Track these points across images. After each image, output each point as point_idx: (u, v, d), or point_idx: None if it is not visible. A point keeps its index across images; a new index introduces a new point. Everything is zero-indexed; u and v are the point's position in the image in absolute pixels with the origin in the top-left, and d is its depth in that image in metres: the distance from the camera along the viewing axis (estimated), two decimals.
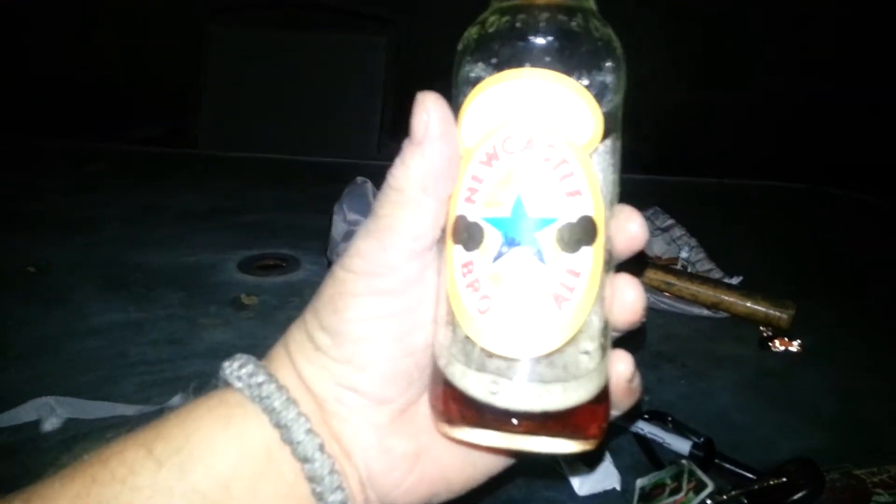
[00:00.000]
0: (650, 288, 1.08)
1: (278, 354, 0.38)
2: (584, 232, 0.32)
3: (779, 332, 1.00)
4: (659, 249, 1.22)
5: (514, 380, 0.32)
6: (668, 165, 1.75)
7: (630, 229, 0.35)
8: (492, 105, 0.33)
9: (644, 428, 0.76)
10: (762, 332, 1.01)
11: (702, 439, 0.74)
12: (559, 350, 0.32)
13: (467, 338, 0.33)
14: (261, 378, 0.36)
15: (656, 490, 0.67)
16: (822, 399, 0.89)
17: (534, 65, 0.33)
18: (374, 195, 1.10)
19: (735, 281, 1.09)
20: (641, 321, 0.35)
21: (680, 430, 0.77)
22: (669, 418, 0.79)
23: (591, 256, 0.32)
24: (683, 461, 0.70)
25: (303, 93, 2.05)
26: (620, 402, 0.36)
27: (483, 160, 0.33)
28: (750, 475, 0.70)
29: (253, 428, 0.35)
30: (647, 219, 1.24)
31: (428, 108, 0.34)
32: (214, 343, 0.91)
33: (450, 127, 0.35)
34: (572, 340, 0.32)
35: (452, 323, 0.34)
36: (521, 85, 0.33)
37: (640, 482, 0.70)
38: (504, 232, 0.32)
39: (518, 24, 0.33)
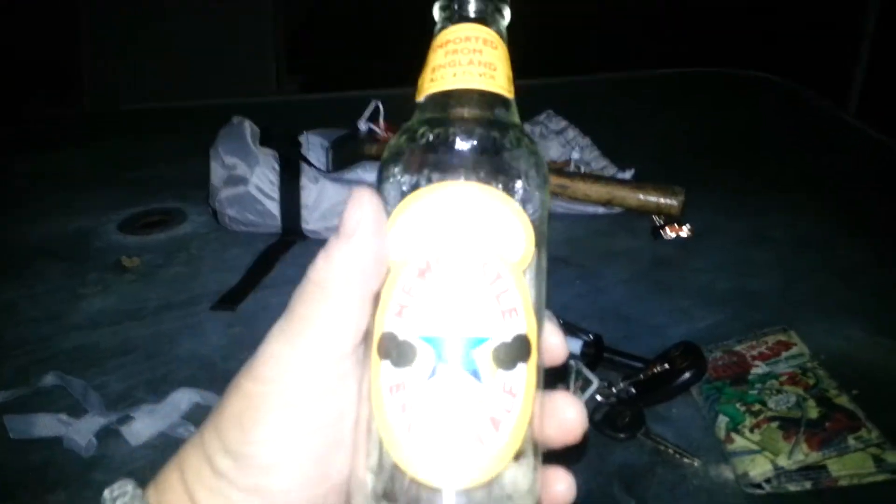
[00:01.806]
0: None
1: (171, 484, 0.33)
2: (519, 350, 0.30)
3: (671, 220, 1.01)
4: (554, 153, 1.20)
5: None
6: (558, 67, 1.73)
7: (567, 416, 0.33)
8: (423, 218, 0.32)
9: None
10: (655, 221, 1.02)
11: (591, 337, 0.75)
12: (498, 475, 0.30)
13: (395, 467, 0.29)
14: None
15: None
16: (712, 279, 0.90)
17: (468, 179, 0.32)
18: (253, 135, 1.05)
19: (628, 175, 1.09)
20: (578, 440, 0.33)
21: (571, 330, 0.78)
22: (560, 321, 0.79)
23: (526, 375, 0.30)
24: (571, 361, 0.70)
25: (189, 35, 1.94)
26: None
27: (415, 274, 0.31)
28: (638, 364, 0.71)
29: None
30: (541, 123, 1.22)
31: (364, 203, 0.31)
32: (95, 312, 0.87)
33: (382, 226, 0.32)
34: (510, 464, 0.30)
35: (375, 452, 0.31)
36: (456, 199, 0.31)
37: None
38: (438, 350, 0.30)
39: (451, 138, 0.32)
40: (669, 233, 0.99)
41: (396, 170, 0.33)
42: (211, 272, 0.95)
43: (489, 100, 0.34)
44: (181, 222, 1.08)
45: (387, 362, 0.30)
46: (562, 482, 0.33)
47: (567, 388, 0.67)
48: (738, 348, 0.70)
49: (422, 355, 0.30)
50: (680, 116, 1.45)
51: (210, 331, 0.83)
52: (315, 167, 1.02)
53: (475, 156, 0.32)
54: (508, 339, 0.30)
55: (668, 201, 1.01)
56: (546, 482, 0.32)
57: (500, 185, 0.32)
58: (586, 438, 0.36)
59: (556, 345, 0.34)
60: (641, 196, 1.02)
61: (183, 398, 0.69)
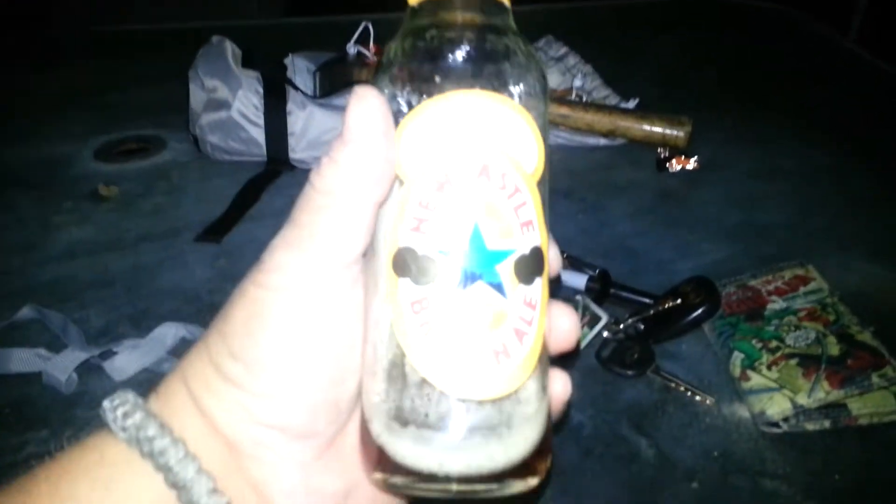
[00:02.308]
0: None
1: (175, 391, 0.31)
2: (537, 264, 0.30)
3: (676, 152, 0.97)
4: (554, 81, 1.15)
5: (465, 434, 0.29)
6: None
7: (562, 327, 0.33)
8: (438, 129, 0.30)
9: None
10: (659, 153, 0.98)
11: (597, 272, 0.71)
12: (521, 387, 0.30)
13: (421, 384, 0.29)
14: (151, 431, 0.29)
15: None
16: (721, 213, 0.87)
17: (484, 87, 0.30)
18: (234, 56, 0.98)
19: (631, 105, 1.04)
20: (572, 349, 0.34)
21: (576, 265, 0.74)
22: (564, 255, 0.75)
23: (542, 286, 0.30)
24: (578, 297, 0.67)
25: None
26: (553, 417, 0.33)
27: (433, 187, 0.30)
28: (647, 300, 0.68)
29: (144, 489, 0.29)
30: (540, 49, 1.16)
31: (368, 102, 0.29)
32: (71, 242, 0.82)
33: (391, 128, 0.30)
34: (531, 374, 0.30)
35: (396, 369, 0.30)
36: (472, 109, 0.30)
37: None
38: (463, 265, 0.29)
39: (464, 44, 0.31)
40: (675, 165, 0.94)
41: (402, 76, 0.31)
42: (193, 203, 0.90)
43: (491, 5, 0.32)
44: (160, 150, 1.02)
45: (406, 280, 0.29)
46: (558, 381, 0.33)
47: None
48: (752, 283, 0.67)
49: (445, 271, 0.29)
50: (682, 45, 1.39)
51: (194, 263, 0.78)
52: (302, 92, 0.96)
53: (489, 63, 0.31)
54: (527, 251, 0.30)
55: (674, 132, 0.97)
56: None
57: (514, 95, 0.31)
58: (578, 345, 0.37)
59: (568, 328, 0.34)
60: (646, 126, 0.98)
61: (168, 332, 0.65)
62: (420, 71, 0.31)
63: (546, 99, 0.33)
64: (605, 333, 0.65)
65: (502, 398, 0.29)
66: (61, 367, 0.60)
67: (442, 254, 0.29)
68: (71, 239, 0.83)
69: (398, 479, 0.30)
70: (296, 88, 0.95)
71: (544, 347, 0.31)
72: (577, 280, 0.71)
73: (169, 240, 0.82)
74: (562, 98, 1.06)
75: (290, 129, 0.93)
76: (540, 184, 0.31)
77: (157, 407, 0.31)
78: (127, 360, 0.62)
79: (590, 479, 0.53)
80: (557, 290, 0.66)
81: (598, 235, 0.82)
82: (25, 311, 0.68)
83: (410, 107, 0.30)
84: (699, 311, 0.63)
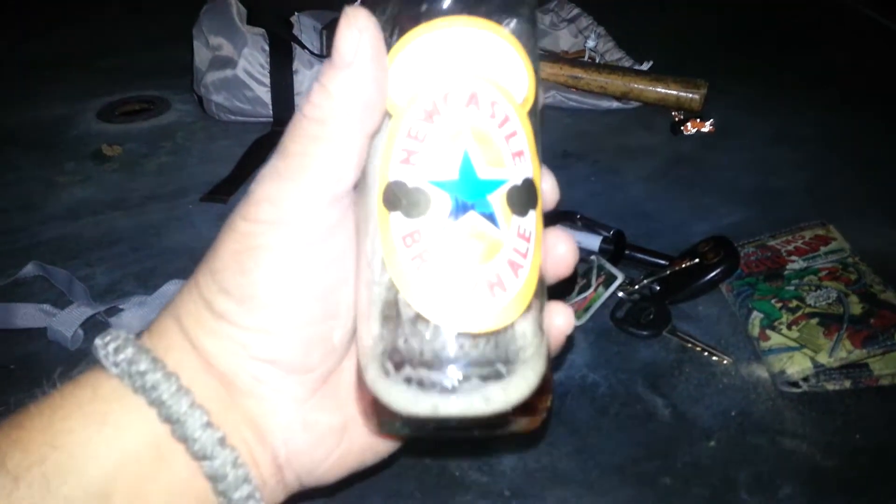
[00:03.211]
0: (557, 84, 1.00)
1: (167, 329, 0.31)
2: (530, 194, 0.30)
3: (691, 115, 0.95)
4: (565, 43, 1.13)
5: (462, 374, 0.28)
6: None
7: (558, 251, 0.33)
8: (426, 57, 0.29)
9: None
10: (674, 116, 0.96)
11: (612, 232, 0.70)
12: (517, 321, 0.29)
13: (415, 320, 0.28)
14: (143, 366, 0.29)
15: None
16: (737, 176, 0.85)
17: (472, 14, 0.29)
18: (239, 13, 0.96)
19: (646, 67, 1.02)
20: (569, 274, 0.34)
21: (590, 226, 0.73)
22: (578, 216, 0.74)
23: (535, 219, 0.30)
24: (592, 257, 0.66)
25: None
26: (552, 354, 0.33)
27: (422, 117, 0.29)
28: (662, 262, 0.67)
29: (136, 424, 0.29)
30: (552, 11, 1.13)
31: (360, 25, 0.28)
32: (74, 202, 0.81)
33: (383, 53, 0.29)
34: (527, 309, 0.29)
35: (389, 308, 0.29)
36: (461, 37, 0.29)
37: None
38: (453, 196, 0.28)
39: None
40: (690, 128, 0.93)
41: (388, 3, 0.30)
42: (198, 163, 0.89)
43: None
44: (164, 111, 1.01)
45: (397, 213, 0.28)
46: (559, 315, 0.33)
47: (588, 285, 0.63)
48: (772, 243, 0.65)
49: (436, 202, 0.28)
50: (696, 7, 1.36)
51: (200, 223, 0.77)
52: (309, 50, 0.94)
53: None
54: (519, 182, 0.29)
55: (690, 94, 0.95)
56: (545, 317, 0.32)
57: (503, 23, 0.30)
58: (576, 274, 0.37)
59: (563, 252, 0.33)
60: (661, 89, 0.96)
61: (175, 289, 0.63)
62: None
63: (536, 26, 0.32)
64: (620, 294, 0.64)
65: (498, 332, 0.28)
66: (67, 322, 0.59)
67: (432, 184, 0.28)
68: (74, 198, 0.82)
69: (395, 425, 0.30)
70: (302, 47, 0.93)
71: (541, 282, 0.30)
72: (591, 241, 0.70)
73: (175, 200, 0.81)
74: (574, 59, 1.04)
75: (296, 88, 0.92)
76: (531, 114, 0.30)
77: (150, 343, 0.30)
78: (133, 316, 0.61)
79: (605, 438, 0.52)
80: (586, 272, 0.65)
81: (612, 198, 0.81)
82: (29, 268, 0.67)
83: (398, 36, 0.29)
84: (717, 270, 0.62)
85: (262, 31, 0.93)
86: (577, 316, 0.61)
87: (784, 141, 0.93)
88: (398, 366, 0.28)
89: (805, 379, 0.53)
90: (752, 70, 1.13)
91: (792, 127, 0.96)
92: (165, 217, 0.78)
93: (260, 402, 0.31)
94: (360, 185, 0.30)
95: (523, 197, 0.29)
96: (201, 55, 0.93)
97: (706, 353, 0.58)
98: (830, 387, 0.53)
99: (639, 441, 0.51)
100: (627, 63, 1.04)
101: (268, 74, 0.91)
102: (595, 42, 1.05)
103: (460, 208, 0.28)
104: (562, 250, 0.33)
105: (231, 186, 0.82)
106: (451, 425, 0.28)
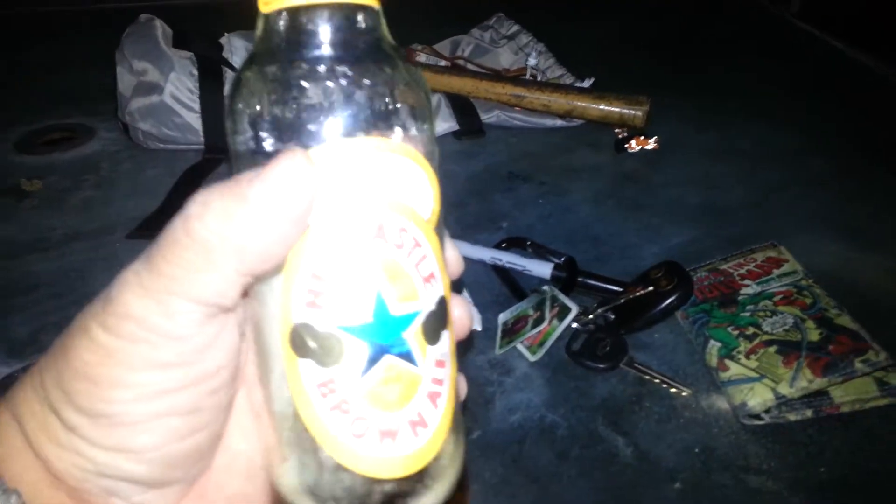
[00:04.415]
0: (499, 104, 0.98)
1: (7, 435, 0.27)
2: (443, 314, 0.28)
3: (634, 132, 0.94)
4: (506, 60, 1.11)
5: None
6: None
7: (453, 315, 0.30)
8: (323, 187, 0.25)
9: (502, 258, 0.69)
10: (618, 134, 0.95)
11: (562, 259, 0.68)
12: (443, 446, 0.27)
13: (339, 467, 0.26)
14: None
15: (519, 324, 0.61)
16: (682, 193, 0.84)
17: (368, 132, 0.25)
18: (164, 35, 0.91)
19: (587, 84, 1.01)
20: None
21: (540, 253, 0.71)
22: (528, 242, 0.72)
23: (448, 339, 0.28)
24: (545, 287, 0.64)
25: None
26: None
27: (326, 255, 0.25)
28: (616, 288, 0.65)
29: None
30: (491, 27, 1.12)
31: (298, 164, 0.24)
32: None
33: (308, 208, 0.25)
34: (449, 430, 0.28)
35: (307, 454, 0.27)
36: (358, 160, 0.25)
37: (501, 317, 0.63)
38: (370, 340, 0.26)
39: (337, 78, 0.25)
40: (635, 145, 0.92)
41: (266, 120, 0.25)
42: (126, 196, 0.83)
43: (364, 15, 0.26)
44: (88, 139, 0.95)
45: (308, 361, 0.26)
46: (458, 307, 0.30)
47: (542, 318, 0.61)
48: (724, 267, 0.64)
49: (351, 349, 0.26)
50: (637, 20, 1.37)
51: (128, 263, 0.72)
52: None
53: (370, 103, 0.26)
54: (434, 306, 0.27)
55: (632, 111, 0.94)
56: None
57: (401, 134, 0.26)
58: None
59: (453, 262, 0.31)
60: (604, 106, 0.95)
61: None
62: (287, 118, 0.25)
63: (433, 123, 0.29)
64: (574, 325, 0.62)
65: (426, 466, 0.27)
66: None
67: (345, 330, 0.25)
68: None
69: None
70: (233, 69, 0.89)
71: (457, 394, 0.29)
72: (543, 268, 0.68)
73: (100, 238, 0.75)
74: (516, 78, 1.02)
75: None
76: (437, 227, 0.28)
77: None
78: None
79: (567, 486, 0.49)
80: (539, 305, 0.62)
81: (561, 221, 0.79)
82: None
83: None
84: (672, 298, 0.61)
85: (189, 54, 0.88)
86: (532, 351, 0.59)
87: (726, 155, 0.93)
88: (321, 501, 0.27)
89: (767, 411, 0.52)
90: (693, 84, 1.13)
91: (733, 140, 0.96)
92: (89, 258, 0.72)
93: None
94: (252, 305, 0.27)
95: (438, 321, 0.27)
96: (125, 81, 0.87)
97: (665, 385, 0.57)
98: (792, 417, 0.52)
99: (602, 486, 0.49)
100: (569, 80, 1.03)
101: (197, 100, 0.86)
102: (536, 60, 1.04)
103: (377, 353, 0.26)
104: (456, 313, 0.30)
105: (161, 221, 0.77)
106: None
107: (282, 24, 0.26)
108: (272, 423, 0.28)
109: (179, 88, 0.86)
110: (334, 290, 0.25)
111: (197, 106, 0.86)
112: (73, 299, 0.67)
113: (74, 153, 0.92)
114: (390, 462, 0.26)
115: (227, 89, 0.86)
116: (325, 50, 0.25)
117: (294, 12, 0.25)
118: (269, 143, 0.25)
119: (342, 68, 0.25)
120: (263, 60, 0.26)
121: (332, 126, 0.25)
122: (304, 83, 0.25)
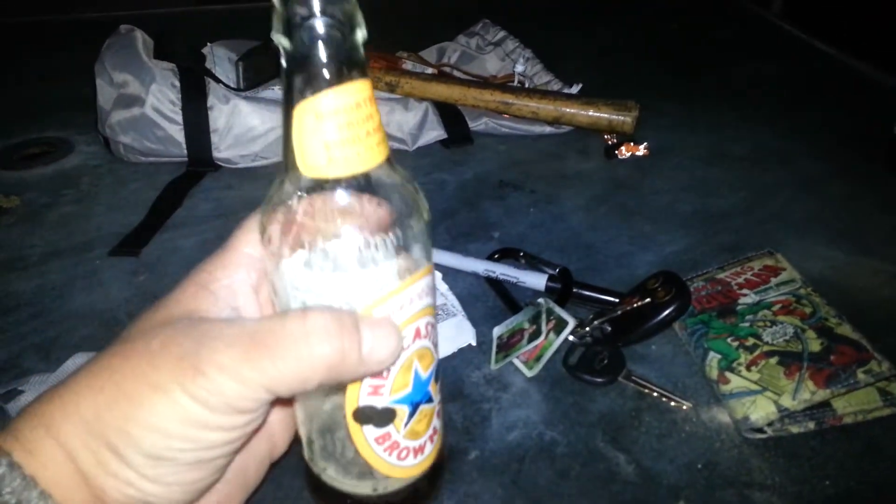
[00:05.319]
0: (487, 111, 0.96)
1: (52, 461, 0.31)
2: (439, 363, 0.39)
3: (624, 138, 0.93)
4: (493, 67, 1.10)
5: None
6: None
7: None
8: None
9: (495, 270, 0.68)
10: (607, 140, 0.94)
11: (557, 270, 0.67)
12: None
13: (383, 476, 0.39)
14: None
15: (514, 338, 0.60)
16: (675, 200, 0.84)
17: (402, 278, 0.34)
18: (145, 46, 0.89)
19: (575, 90, 1.00)
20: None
21: (533, 264, 0.70)
22: (521, 253, 0.71)
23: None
24: (540, 300, 0.62)
25: None
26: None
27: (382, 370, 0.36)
28: (612, 299, 0.64)
29: None
30: (477, 34, 1.11)
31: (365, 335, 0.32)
32: None
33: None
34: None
35: (357, 466, 0.38)
36: (399, 296, 0.34)
37: (496, 331, 0.62)
38: (411, 401, 0.36)
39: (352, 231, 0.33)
40: (625, 151, 0.91)
41: (295, 253, 0.33)
42: (107, 212, 0.81)
43: (386, 173, 0.33)
44: (67, 153, 0.93)
45: (369, 426, 0.36)
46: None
47: (539, 331, 0.59)
48: (721, 276, 0.63)
49: (401, 412, 0.36)
50: (625, 24, 1.36)
51: (110, 281, 0.70)
52: (224, 84, 0.88)
53: (395, 246, 0.33)
54: (438, 356, 0.38)
55: (621, 117, 0.93)
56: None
57: (418, 265, 0.35)
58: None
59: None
60: (592, 112, 0.94)
61: (82, 362, 0.57)
62: (318, 247, 0.32)
63: (430, 225, 0.36)
64: (571, 337, 0.60)
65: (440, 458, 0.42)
66: None
67: (395, 403, 0.35)
68: None
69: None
70: (217, 80, 0.87)
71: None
72: (537, 280, 0.66)
73: (80, 255, 0.73)
74: (504, 84, 1.01)
75: (212, 125, 0.85)
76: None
77: (32, 468, 0.30)
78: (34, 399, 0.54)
79: None
80: (535, 318, 0.61)
81: (553, 230, 0.78)
82: None
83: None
84: (669, 309, 0.59)
85: (171, 65, 0.86)
86: (529, 366, 0.58)
87: (718, 160, 0.92)
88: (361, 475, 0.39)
89: (770, 424, 0.51)
90: (682, 88, 1.13)
91: (724, 145, 0.96)
92: (69, 276, 0.70)
93: None
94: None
95: (439, 367, 0.38)
96: (105, 94, 0.85)
97: (664, 399, 0.56)
98: (795, 430, 0.51)
99: None
100: (557, 86, 1.02)
101: (179, 112, 0.84)
102: (524, 66, 1.03)
103: (414, 407, 0.36)
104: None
105: (143, 237, 0.75)
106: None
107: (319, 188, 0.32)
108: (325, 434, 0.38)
109: (161, 100, 0.84)
110: (388, 382, 0.35)
111: (179, 118, 0.84)
112: (52, 319, 0.64)
113: (53, 168, 0.90)
114: (420, 466, 0.39)
115: (210, 100, 0.84)
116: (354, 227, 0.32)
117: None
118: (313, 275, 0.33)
119: (379, 223, 0.33)
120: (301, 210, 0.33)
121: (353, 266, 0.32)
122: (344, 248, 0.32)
